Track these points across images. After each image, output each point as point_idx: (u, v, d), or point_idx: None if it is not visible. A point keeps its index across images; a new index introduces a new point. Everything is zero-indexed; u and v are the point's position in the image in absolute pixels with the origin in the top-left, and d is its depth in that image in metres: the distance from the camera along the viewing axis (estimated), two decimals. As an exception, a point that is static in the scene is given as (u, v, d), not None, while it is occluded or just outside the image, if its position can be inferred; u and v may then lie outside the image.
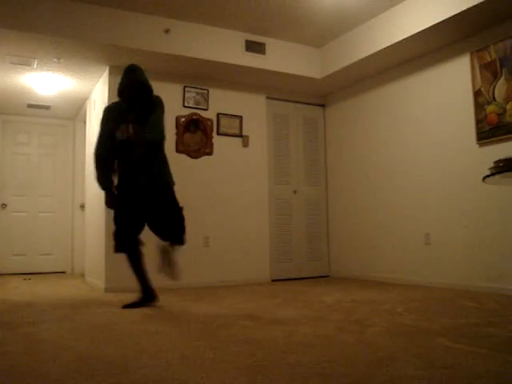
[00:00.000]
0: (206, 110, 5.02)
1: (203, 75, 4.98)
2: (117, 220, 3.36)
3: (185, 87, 4.93)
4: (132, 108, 3.33)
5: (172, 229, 3.35)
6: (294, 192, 5.54)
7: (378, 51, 4.43)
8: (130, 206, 3.32)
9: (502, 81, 3.76)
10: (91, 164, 3.48)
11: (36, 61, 4.52)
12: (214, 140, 5.04)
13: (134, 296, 3.56)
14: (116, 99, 4.60)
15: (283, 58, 5.00)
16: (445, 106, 4.30)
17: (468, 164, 4.04)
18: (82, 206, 6.34)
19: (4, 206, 6.33)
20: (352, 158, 5.41)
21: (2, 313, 3.13)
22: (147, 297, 3.32)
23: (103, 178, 3.35)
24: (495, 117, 3.80)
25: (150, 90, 3.36)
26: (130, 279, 4.45)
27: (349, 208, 5.42)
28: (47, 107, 6.16)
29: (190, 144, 4.90)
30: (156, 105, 3.36)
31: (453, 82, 4.23)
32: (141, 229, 3.36)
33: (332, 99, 5.77)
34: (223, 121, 5.11)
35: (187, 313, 3.06)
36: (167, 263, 3.34)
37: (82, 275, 5.86)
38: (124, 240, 3.33)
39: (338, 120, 5.66)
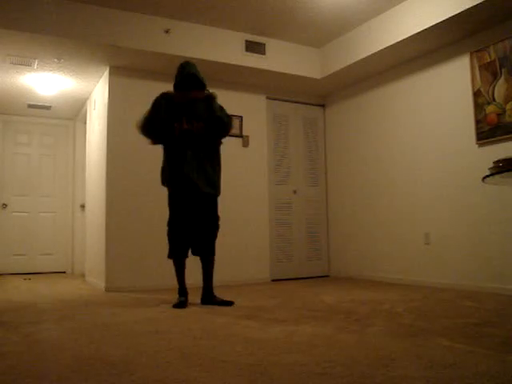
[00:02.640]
0: (206, 110, 5.02)
1: (203, 75, 4.96)
2: (170, 222, 3.36)
3: (185, 87, 4.93)
4: (186, 102, 3.38)
5: (205, 240, 3.38)
6: (294, 192, 5.55)
7: (378, 51, 4.44)
8: (181, 203, 3.33)
9: (501, 81, 3.76)
10: (143, 134, 3.45)
11: (36, 61, 4.52)
12: (214, 140, 5.04)
13: (134, 296, 3.57)
14: (117, 98, 4.65)
15: (283, 58, 5.00)
16: (444, 106, 4.30)
17: (468, 164, 4.04)
18: (83, 206, 6.34)
19: (4, 206, 6.33)
20: (352, 157, 5.41)
21: (2, 313, 3.13)
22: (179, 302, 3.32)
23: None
24: (495, 117, 3.80)
25: (202, 84, 3.42)
26: (130, 279, 4.47)
27: (349, 208, 5.43)
28: (47, 107, 6.16)
29: (190, 144, 4.90)
30: (210, 99, 3.44)
31: (452, 82, 4.23)
32: (190, 235, 3.35)
33: (332, 99, 5.77)
34: (223, 121, 5.11)
35: (187, 313, 3.06)
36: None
37: (83, 275, 5.86)
38: (176, 245, 3.33)
39: (338, 120, 5.66)
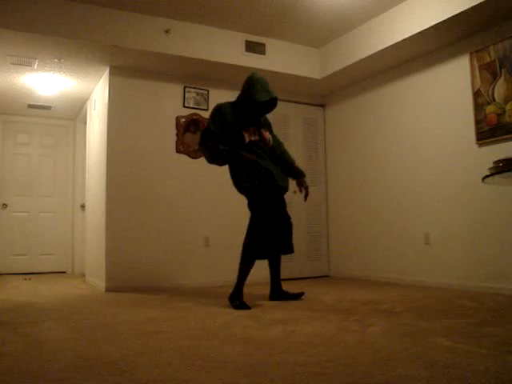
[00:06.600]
0: (206, 110, 5.02)
1: (203, 75, 4.98)
2: (261, 224, 3.33)
3: (185, 87, 4.94)
4: (252, 117, 3.43)
5: (290, 238, 3.48)
6: (294, 192, 5.53)
7: (378, 51, 4.44)
8: (271, 206, 3.36)
9: (501, 81, 3.76)
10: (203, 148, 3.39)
11: (37, 61, 4.52)
12: (214, 140, 5.04)
13: (134, 296, 3.56)
14: (117, 98, 4.65)
15: (283, 58, 5.00)
16: (444, 106, 4.30)
17: (467, 164, 4.04)
18: (83, 206, 6.35)
19: (5, 206, 6.33)
20: (352, 158, 5.41)
21: (2, 313, 3.13)
22: (240, 304, 3.29)
23: (221, 154, 3.31)
24: (495, 117, 3.80)
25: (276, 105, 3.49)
26: (131, 279, 4.47)
27: (349, 208, 5.43)
28: (48, 107, 6.16)
29: (190, 144, 4.90)
30: (269, 123, 3.62)
31: (452, 83, 4.23)
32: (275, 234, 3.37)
33: (332, 99, 5.77)
34: (223, 121, 5.11)
35: (187, 313, 3.06)
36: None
37: (83, 275, 5.86)
38: (267, 245, 3.33)
39: (338, 120, 5.66)
